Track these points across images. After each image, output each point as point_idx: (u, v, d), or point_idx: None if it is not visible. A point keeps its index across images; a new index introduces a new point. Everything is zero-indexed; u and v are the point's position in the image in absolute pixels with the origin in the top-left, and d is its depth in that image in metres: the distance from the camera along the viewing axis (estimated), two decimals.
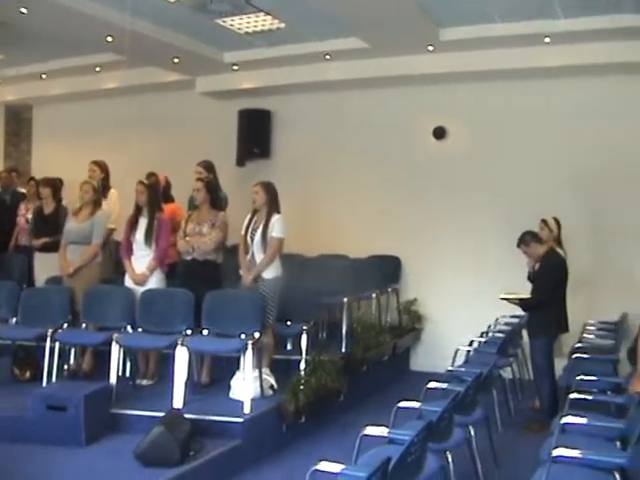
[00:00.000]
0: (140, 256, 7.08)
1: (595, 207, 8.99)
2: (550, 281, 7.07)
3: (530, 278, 7.44)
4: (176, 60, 9.58)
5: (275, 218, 6.78)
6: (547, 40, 8.20)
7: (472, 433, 5.14)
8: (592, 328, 8.38)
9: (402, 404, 4.98)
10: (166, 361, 6.69)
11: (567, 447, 4.06)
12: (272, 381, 6.58)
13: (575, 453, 4.01)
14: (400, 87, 9.66)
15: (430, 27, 8.25)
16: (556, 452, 3.99)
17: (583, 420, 4.73)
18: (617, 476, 4.01)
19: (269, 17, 8.32)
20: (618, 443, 4.65)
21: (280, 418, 6.27)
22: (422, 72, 9.17)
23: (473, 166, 9.48)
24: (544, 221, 7.58)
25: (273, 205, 6.85)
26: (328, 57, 9.32)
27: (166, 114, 11.22)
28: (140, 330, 6.80)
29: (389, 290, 9.61)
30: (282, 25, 8.55)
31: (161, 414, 5.54)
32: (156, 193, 7.36)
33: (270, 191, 6.88)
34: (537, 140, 9.18)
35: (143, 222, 7.11)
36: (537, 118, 9.18)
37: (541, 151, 9.17)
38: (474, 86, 9.31)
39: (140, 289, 6.97)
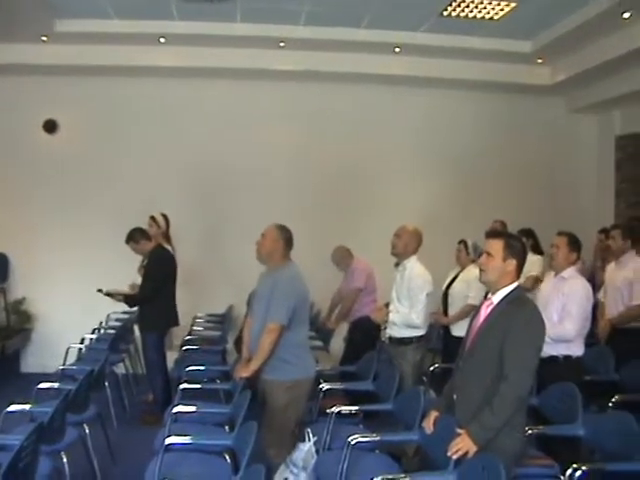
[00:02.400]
0: None
1: (204, 205, 9.38)
2: (157, 276, 7.11)
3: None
4: None
5: None
6: (162, 40, 8.34)
7: (87, 431, 5.09)
8: (201, 320, 8.76)
9: (11, 408, 4.76)
10: None
11: (179, 435, 4.22)
12: None
13: (186, 439, 4.18)
14: (10, 77, 9.08)
15: (46, 17, 7.87)
16: (168, 440, 4.12)
17: (193, 408, 4.94)
18: (227, 457, 4.26)
19: None
20: (227, 427, 4.93)
21: None
22: (34, 62, 8.66)
23: (86, 161, 9.26)
24: (152, 218, 7.60)
25: None
26: None
27: None
28: None
29: None
30: None
31: None
32: None
33: None
34: (151, 137, 9.30)
35: None
36: (151, 116, 9.27)
37: (155, 148, 9.30)
38: (89, 80, 9.07)
39: None
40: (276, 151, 9.40)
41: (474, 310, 4.03)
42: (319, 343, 7.54)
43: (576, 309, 5.04)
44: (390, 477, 3.62)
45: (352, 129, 9.55)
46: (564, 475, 3.62)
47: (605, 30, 7.71)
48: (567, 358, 5.06)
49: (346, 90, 9.46)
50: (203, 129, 9.34)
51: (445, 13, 7.77)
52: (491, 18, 7.88)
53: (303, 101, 9.45)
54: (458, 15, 7.82)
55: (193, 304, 8.67)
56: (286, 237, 5.03)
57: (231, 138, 9.38)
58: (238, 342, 7.70)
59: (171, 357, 7.46)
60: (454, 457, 3.48)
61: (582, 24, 7.57)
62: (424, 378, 6.10)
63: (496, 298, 3.72)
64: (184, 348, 7.39)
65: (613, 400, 4.97)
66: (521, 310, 3.63)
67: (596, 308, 6.45)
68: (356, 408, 5.10)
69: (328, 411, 4.82)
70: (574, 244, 5.30)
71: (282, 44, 8.55)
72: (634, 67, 8.32)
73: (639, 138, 10.09)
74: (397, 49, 8.71)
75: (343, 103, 9.53)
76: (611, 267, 6.45)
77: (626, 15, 7.22)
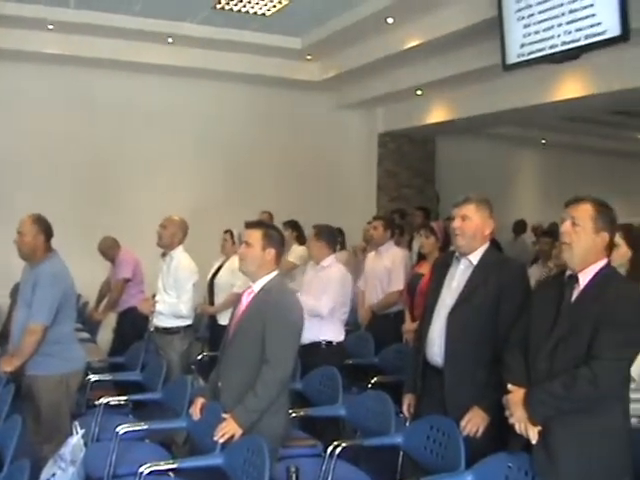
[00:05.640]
0: None
1: None
2: None
3: None
4: None
5: None
6: None
7: None
8: None
9: None
10: None
11: None
12: None
13: None
14: None
15: None
16: None
17: None
18: None
19: None
20: None
21: None
22: None
23: None
24: None
25: None
26: None
27: None
28: None
29: None
30: None
31: None
32: None
33: None
34: None
35: None
36: None
37: None
38: None
39: None
40: (40, 138, 8.93)
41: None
42: (86, 335, 7.34)
43: (332, 290, 5.32)
44: (159, 464, 3.63)
45: (121, 118, 9.36)
46: (326, 453, 3.81)
47: (371, 32, 8.15)
48: (329, 344, 5.32)
49: (116, 78, 9.27)
50: None
51: (218, 6, 7.86)
52: (263, 14, 8.06)
53: (70, 88, 9.12)
54: (231, 8, 7.93)
55: None
56: (45, 229, 4.70)
57: None
58: (1, 335, 7.35)
59: None
60: (220, 441, 3.57)
61: (350, 25, 7.97)
62: (192, 367, 6.16)
63: (256, 286, 3.85)
64: None
65: (372, 381, 5.27)
66: (280, 297, 3.79)
67: (356, 296, 6.86)
68: (125, 398, 5.07)
69: (96, 403, 4.75)
70: (321, 235, 5.53)
71: (51, 27, 8.22)
72: (396, 69, 8.88)
73: (399, 135, 10.80)
74: (170, 39, 8.66)
75: (113, 91, 9.32)
76: (371, 256, 6.81)
77: (390, 20, 7.70)
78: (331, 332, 5.35)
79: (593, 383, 2.82)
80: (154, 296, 5.95)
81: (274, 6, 7.85)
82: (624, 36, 5.67)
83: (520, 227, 11.07)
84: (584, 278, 3.03)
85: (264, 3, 7.79)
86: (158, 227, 5.80)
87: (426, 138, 11.20)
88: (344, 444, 3.81)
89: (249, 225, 4.03)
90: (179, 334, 5.70)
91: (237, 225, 6.85)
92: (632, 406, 3.20)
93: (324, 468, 3.75)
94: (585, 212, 3.03)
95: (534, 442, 2.93)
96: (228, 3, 7.77)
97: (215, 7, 7.88)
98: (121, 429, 4.10)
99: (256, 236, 3.85)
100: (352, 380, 5.57)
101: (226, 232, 6.94)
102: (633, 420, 3.32)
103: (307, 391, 4.91)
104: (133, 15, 8.14)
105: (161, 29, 8.40)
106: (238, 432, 3.55)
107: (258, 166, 10.06)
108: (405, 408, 3.90)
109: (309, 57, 9.44)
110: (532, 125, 12.45)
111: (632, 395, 3.26)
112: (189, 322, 5.75)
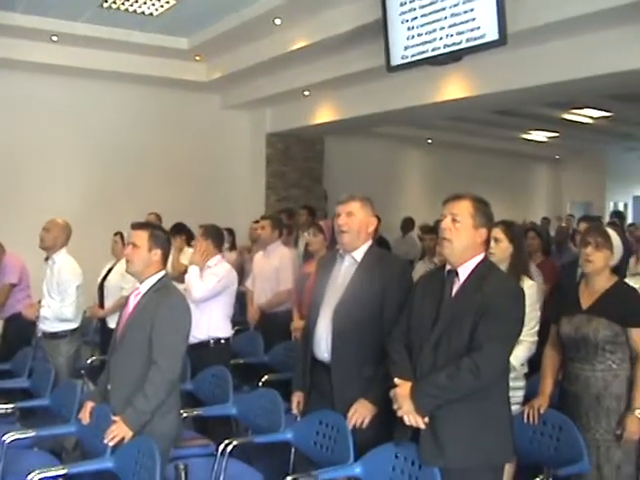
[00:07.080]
0: None
1: None
2: None
3: None
4: None
5: None
6: None
7: None
8: None
9: None
10: None
11: None
12: None
13: None
14: None
15: None
16: None
17: None
18: None
19: None
20: None
21: None
22: None
23: None
24: None
25: None
26: None
27: None
28: None
29: None
30: None
31: None
32: None
33: None
34: None
35: None
36: None
37: None
38: None
39: None
40: None
41: None
42: None
43: (212, 282, 5.28)
44: (48, 470, 3.55)
45: (2, 118, 9.07)
46: (218, 451, 3.83)
47: (259, 33, 8.19)
48: (217, 342, 5.29)
49: None
50: None
51: (105, 5, 7.77)
52: (151, 13, 8.01)
53: None
54: (118, 8, 7.85)
55: None
56: None
57: None
58: None
59: None
60: (110, 444, 3.54)
61: (238, 26, 7.99)
62: (82, 371, 6.04)
63: (143, 287, 3.85)
64: None
65: (262, 380, 5.31)
66: (167, 298, 3.78)
67: (245, 296, 6.88)
68: (11, 406, 4.92)
69: None
70: (207, 234, 5.45)
71: None
72: (283, 69, 8.95)
73: (286, 136, 10.90)
74: (55, 37, 8.45)
75: None
76: (259, 256, 6.83)
77: (278, 22, 7.76)
78: (220, 329, 5.31)
79: (475, 373, 2.95)
80: (40, 301, 5.82)
81: (162, 6, 7.81)
82: (502, 40, 5.91)
83: (408, 224, 11.32)
84: (463, 272, 3.17)
85: (152, 3, 7.74)
86: (41, 230, 5.68)
87: (314, 138, 11.33)
88: (235, 442, 3.85)
89: (135, 226, 4.01)
90: (66, 338, 5.60)
91: (126, 227, 6.76)
92: (512, 394, 3.39)
93: (216, 467, 3.77)
94: (465, 209, 3.17)
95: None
96: (115, 2, 7.69)
97: (102, 6, 7.78)
98: (8, 437, 4.00)
99: (142, 237, 3.84)
100: (243, 379, 5.62)
101: (116, 234, 6.83)
102: (513, 407, 3.51)
103: (198, 391, 4.91)
104: (16, 12, 7.92)
105: (45, 27, 8.20)
106: (128, 434, 3.53)
107: (146, 167, 9.96)
108: (294, 406, 3.93)
109: (197, 58, 9.41)
110: (418, 125, 12.77)
111: (512, 383, 3.45)
112: (75, 325, 5.66)
